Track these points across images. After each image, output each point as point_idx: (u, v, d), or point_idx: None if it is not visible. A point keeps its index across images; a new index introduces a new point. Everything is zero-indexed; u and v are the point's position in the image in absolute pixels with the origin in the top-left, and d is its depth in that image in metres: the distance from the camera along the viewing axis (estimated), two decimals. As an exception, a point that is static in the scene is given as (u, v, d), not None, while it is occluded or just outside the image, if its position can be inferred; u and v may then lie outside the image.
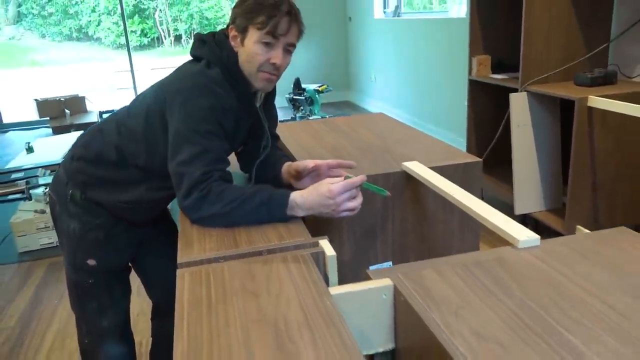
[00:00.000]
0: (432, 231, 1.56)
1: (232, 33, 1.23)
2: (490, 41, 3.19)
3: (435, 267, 0.93)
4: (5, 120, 6.65)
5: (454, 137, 4.54)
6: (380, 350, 0.93)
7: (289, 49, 1.23)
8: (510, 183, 2.80)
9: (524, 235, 0.99)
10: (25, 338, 2.30)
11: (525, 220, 3.02)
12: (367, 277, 0.93)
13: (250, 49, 1.20)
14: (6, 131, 6.54)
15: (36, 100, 6.37)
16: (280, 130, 2.05)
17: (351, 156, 1.64)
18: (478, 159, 1.54)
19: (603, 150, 2.47)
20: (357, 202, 1.15)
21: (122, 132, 1.32)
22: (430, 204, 1.53)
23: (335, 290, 0.90)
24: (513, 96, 2.69)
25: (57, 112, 6.30)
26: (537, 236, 0.99)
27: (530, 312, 0.79)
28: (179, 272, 0.98)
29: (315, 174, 1.32)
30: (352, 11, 6.77)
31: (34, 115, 6.57)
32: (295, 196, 1.16)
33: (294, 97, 5.79)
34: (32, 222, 3.14)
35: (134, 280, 1.56)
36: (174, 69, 1.30)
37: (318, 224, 1.44)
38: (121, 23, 7.44)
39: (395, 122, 2.08)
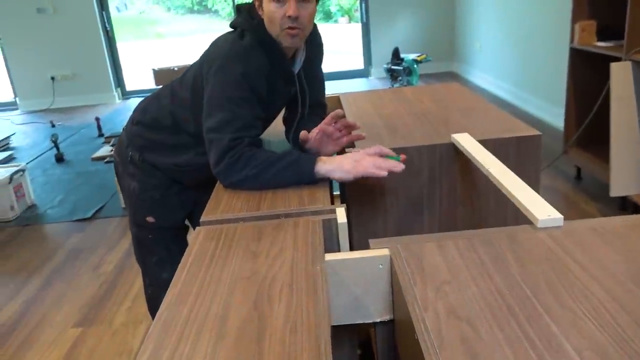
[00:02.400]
0: (484, 204, 1.49)
1: (256, 3, 1.25)
2: (597, 5, 2.88)
3: (439, 240, 0.90)
4: (128, 89, 7.27)
5: (553, 109, 4.21)
6: (378, 320, 0.93)
7: None
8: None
9: (545, 214, 0.92)
10: (118, 283, 2.57)
11: (625, 203, 2.75)
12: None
13: (267, 10, 1.22)
14: (128, 98, 7.16)
15: (154, 69, 6.88)
16: (345, 100, 2.05)
17: (405, 125, 1.60)
18: (537, 133, 1.43)
19: None
20: (387, 163, 1.14)
21: (174, 99, 1.41)
22: (481, 176, 1.45)
23: (331, 256, 0.90)
24: (614, 65, 2.42)
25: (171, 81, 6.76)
26: (560, 216, 0.91)
27: (519, 293, 0.74)
28: (197, 229, 1.05)
29: (324, 136, 1.31)
30: (460, -24, 6.43)
31: (152, 84, 7.12)
32: (322, 157, 1.18)
33: (392, 67, 5.69)
34: (135, 180, 3.45)
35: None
36: (215, 39, 1.35)
37: (361, 195, 1.44)
38: (234, -5, 7.72)
39: (466, 93, 1.98)
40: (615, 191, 2.55)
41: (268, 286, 0.82)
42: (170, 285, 0.85)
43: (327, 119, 1.29)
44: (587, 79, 3.01)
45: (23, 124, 6.15)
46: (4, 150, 4.96)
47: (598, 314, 0.68)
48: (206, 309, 0.78)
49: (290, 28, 1.22)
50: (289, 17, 1.20)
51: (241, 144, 1.19)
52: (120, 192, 1.62)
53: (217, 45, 1.29)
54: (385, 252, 0.89)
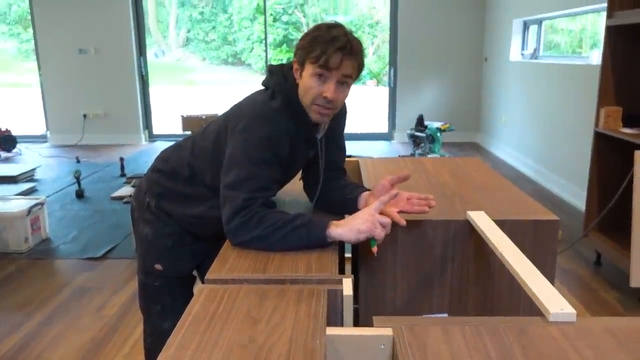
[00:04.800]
0: (497, 287, 1.45)
1: (295, 66, 1.28)
2: (623, 92, 2.90)
3: (445, 325, 0.87)
4: (155, 132, 7.45)
5: (575, 189, 4.18)
6: (376, 403, 0.89)
7: (345, 82, 1.24)
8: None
9: (557, 307, 0.89)
10: (119, 327, 2.53)
11: (646, 295, 2.65)
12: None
13: (306, 82, 1.24)
14: (154, 141, 7.33)
15: (182, 116, 7.07)
16: (364, 164, 2.05)
17: (420, 198, 1.59)
18: (554, 218, 1.40)
19: None
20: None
21: (195, 151, 1.43)
22: (495, 257, 1.42)
23: (332, 331, 0.88)
24: (638, 153, 2.41)
25: (197, 128, 6.91)
26: (573, 311, 0.88)
27: (525, 394, 0.70)
28: (199, 287, 1.03)
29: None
30: (489, 52, 6.57)
31: (179, 129, 7.29)
32: (333, 220, 1.20)
33: (416, 133, 5.74)
34: (150, 224, 3.46)
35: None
36: (246, 96, 1.38)
37: (372, 265, 1.41)
38: (270, 51, 7.99)
39: (486, 170, 1.98)
40: (636, 282, 2.46)
41: (264, 357, 0.79)
42: (165, 346, 0.82)
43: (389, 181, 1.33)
44: (611, 164, 2.98)
45: (50, 157, 6.30)
46: (28, 181, 5.06)
47: None
48: (197, 375, 0.75)
49: (323, 107, 1.25)
50: (325, 97, 1.23)
51: (254, 204, 1.20)
52: (134, 236, 1.62)
53: (247, 103, 1.32)
54: (388, 331, 0.86)
